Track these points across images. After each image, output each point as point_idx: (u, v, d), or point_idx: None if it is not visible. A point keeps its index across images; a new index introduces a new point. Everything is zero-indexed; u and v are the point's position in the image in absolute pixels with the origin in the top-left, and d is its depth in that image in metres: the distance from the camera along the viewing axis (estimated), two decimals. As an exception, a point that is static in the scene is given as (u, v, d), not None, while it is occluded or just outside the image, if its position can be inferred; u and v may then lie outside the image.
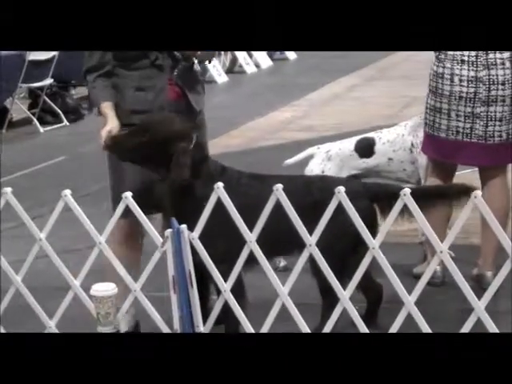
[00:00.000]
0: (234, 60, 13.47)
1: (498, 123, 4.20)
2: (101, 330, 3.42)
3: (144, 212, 3.46)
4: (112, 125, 3.90)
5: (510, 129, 4.23)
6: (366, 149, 4.75)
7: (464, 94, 4.20)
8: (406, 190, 3.20)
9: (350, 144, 4.81)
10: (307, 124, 9.16)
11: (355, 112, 9.67)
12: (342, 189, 3.24)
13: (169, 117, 3.86)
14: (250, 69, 13.28)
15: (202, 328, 3.45)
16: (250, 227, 3.37)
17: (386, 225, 3.28)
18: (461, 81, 4.19)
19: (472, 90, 4.18)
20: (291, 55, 15.14)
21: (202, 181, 3.72)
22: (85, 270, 3.57)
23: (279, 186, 3.30)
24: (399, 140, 4.64)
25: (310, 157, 4.83)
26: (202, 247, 3.44)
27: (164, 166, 3.73)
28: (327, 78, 12.19)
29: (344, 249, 3.61)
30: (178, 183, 3.70)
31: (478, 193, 3.12)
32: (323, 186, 3.71)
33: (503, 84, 4.17)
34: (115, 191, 4.02)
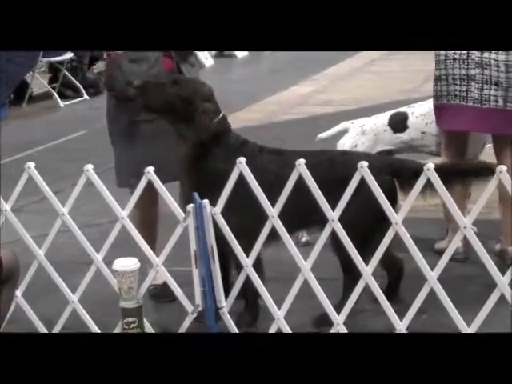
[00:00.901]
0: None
1: (493, 87, 4.16)
2: (123, 304, 3.43)
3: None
4: None
5: (507, 96, 4.15)
6: (399, 123, 4.73)
7: (457, 56, 4.19)
8: (430, 165, 3.19)
9: (384, 119, 4.79)
10: (327, 98, 9.11)
11: (375, 86, 9.61)
12: (364, 163, 3.23)
13: (199, 80, 3.92)
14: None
15: (223, 303, 3.46)
16: (272, 202, 3.37)
17: (409, 200, 3.27)
18: None
19: (465, 51, 4.17)
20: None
21: (223, 153, 3.71)
22: (107, 245, 3.59)
23: (302, 161, 3.29)
24: (431, 113, 4.61)
25: (344, 131, 4.81)
26: (224, 222, 3.44)
27: (184, 123, 3.72)
28: (347, 52, 12.11)
29: (366, 224, 3.59)
30: (195, 145, 3.69)
31: (503, 167, 3.10)
32: (345, 161, 3.69)
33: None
34: (121, 165, 4.13)
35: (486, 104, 4.18)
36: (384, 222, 3.33)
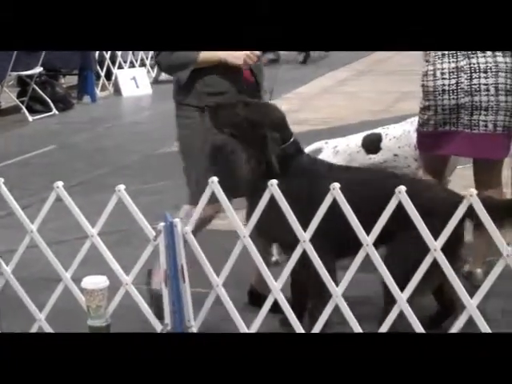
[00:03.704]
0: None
1: (483, 112, 4.17)
2: (91, 323, 3.40)
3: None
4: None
5: (497, 120, 4.18)
6: (372, 145, 4.75)
7: (446, 87, 4.18)
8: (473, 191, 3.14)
9: (357, 140, 4.81)
10: (300, 117, 9.14)
11: (346, 106, 9.66)
12: (474, 191, 3.13)
13: (271, 105, 3.89)
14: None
15: (192, 323, 3.44)
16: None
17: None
18: (442, 74, 4.19)
19: (453, 81, 4.17)
20: (281, 48, 15.12)
21: (290, 176, 3.65)
22: (76, 262, 3.55)
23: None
24: (405, 136, 4.63)
25: (318, 151, 4.83)
26: (195, 241, 3.43)
27: (252, 147, 3.70)
28: (317, 72, 12.19)
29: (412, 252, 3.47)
30: (262, 169, 3.66)
31: (474, 191, 3.11)
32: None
33: (485, 72, 4.14)
34: (191, 176, 4.01)
35: (476, 129, 4.19)
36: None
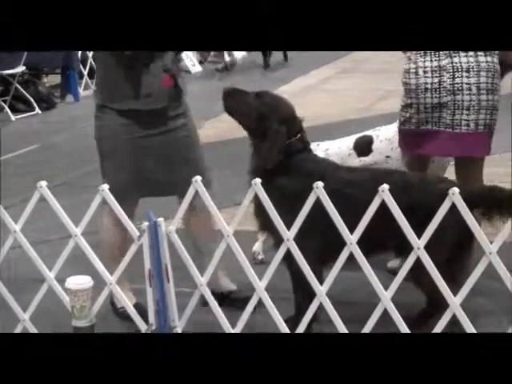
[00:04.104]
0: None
1: (465, 112, 4.20)
2: (76, 323, 3.39)
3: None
4: None
5: (479, 119, 4.22)
6: (364, 147, 4.73)
7: (429, 86, 4.20)
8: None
9: (349, 142, 4.78)
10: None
11: (329, 105, 9.67)
12: (456, 190, 3.12)
13: (282, 98, 3.87)
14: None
15: (177, 322, 3.44)
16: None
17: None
18: (425, 72, 4.21)
19: (436, 79, 4.19)
20: (265, 46, 15.06)
21: (293, 172, 3.67)
22: (60, 262, 3.54)
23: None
24: (397, 138, 4.62)
25: None
26: (179, 241, 3.43)
27: (258, 138, 3.71)
28: (301, 70, 12.19)
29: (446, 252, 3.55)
30: (262, 164, 3.66)
31: (456, 190, 3.13)
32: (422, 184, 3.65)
33: (468, 71, 4.16)
34: (109, 179, 4.01)
35: (458, 129, 4.21)
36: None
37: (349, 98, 10.00)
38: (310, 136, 4.98)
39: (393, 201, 3.16)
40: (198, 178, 3.37)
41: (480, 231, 3.14)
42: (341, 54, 13.10)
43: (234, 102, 3.79)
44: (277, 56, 13.14)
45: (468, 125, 4.19)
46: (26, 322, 3.59)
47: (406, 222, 3.18)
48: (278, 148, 3.66)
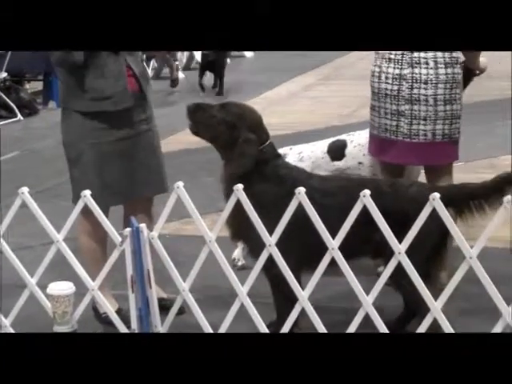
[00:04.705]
0: (192, 57, 13.43)
1: (422, 122, 4.25)
2: (57, 329, 3.39)
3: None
4: None
5: (435, 129, 4.26)
6: (337, 151, 4.73)
7: (389, 92, 4.27)
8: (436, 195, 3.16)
9: (322, 146, 4.77)
10: (265, 122, 9.16)
11: (311, 111, 9.70)
12: (437, 195, 3.13)
13: (248, 107, 3.86)
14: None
15: (160, 328, 3.44)
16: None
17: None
18: (386, 78, 4.27)
19: (396, 87, 4.25)
20: (248, 53, 15.12)
21: (265, 180, 3.66)
22: (42, 269, 3.53)
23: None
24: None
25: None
26: (162, 247, 3.43)
27: (228, 149, 3.69)
28: (283, 77, 12.21)
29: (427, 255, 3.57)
30: (236, 172, 3.65)
31: (437, 195, 3.14)
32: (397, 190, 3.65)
33: (426, 83, 4.22)
34: (77, 185, 4.00)
35: (416, 138, 4.28)
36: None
37: (331, 104, 10.03)
38: (293, 143, 5.03)
39: (374, 205, 3.18)
40: (180, 183, 3.37)
41: (460, 236, 3.16)
42: (323, 61, 13.15)
43: (200, 117, 3.75)
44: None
45: (425, 134, 4.27)
46: (7, 328, 3.57)
47: (387, 227, 3.20)
48: (251, 155, 3.66)
